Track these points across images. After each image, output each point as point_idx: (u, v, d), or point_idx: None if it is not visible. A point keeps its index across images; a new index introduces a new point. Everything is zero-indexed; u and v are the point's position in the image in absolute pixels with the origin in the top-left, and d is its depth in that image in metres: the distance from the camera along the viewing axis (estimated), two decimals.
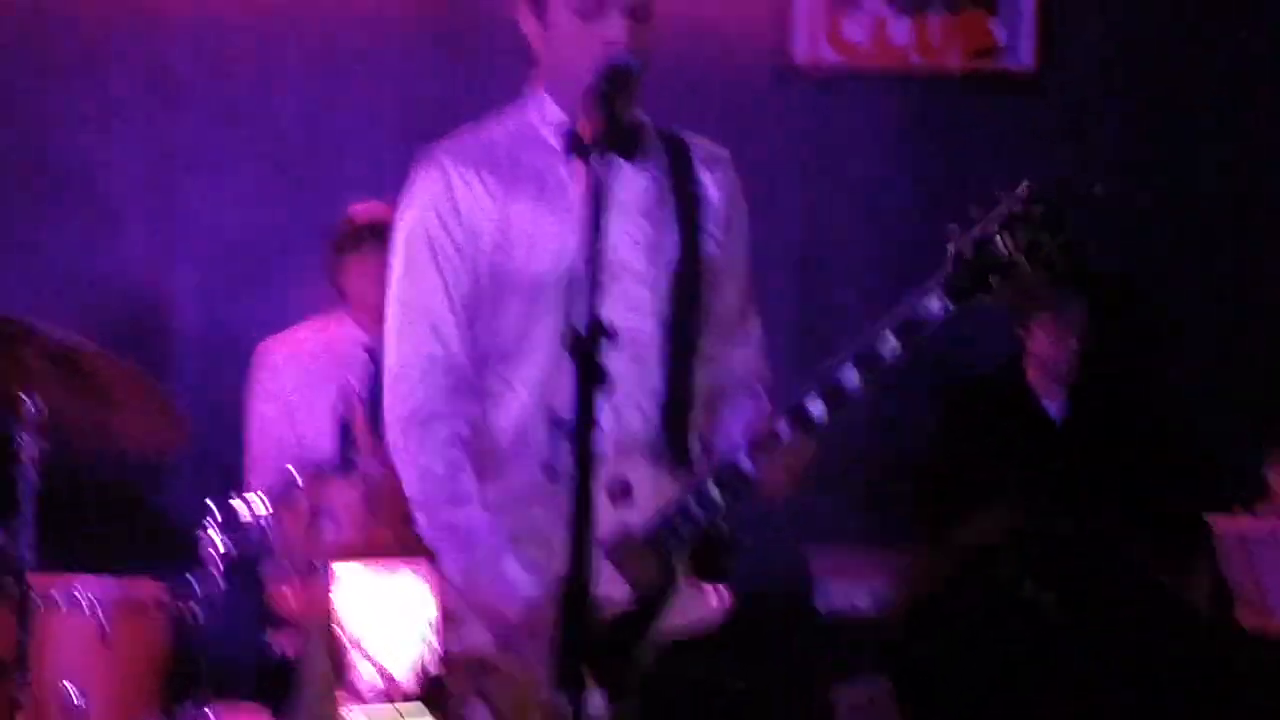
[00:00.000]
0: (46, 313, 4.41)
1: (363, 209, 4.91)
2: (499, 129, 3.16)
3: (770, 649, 3.30)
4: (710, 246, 3.11)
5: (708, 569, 2.96)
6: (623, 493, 2.81)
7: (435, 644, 2.37)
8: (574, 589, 2.59)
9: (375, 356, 4.85)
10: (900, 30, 5.63)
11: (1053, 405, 5.05)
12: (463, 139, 3.18)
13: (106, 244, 5.57)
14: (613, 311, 2.69)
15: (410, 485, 3.08)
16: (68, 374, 4.17)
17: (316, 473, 4.05)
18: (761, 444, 2.88)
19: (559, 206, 3.05)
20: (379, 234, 4.80)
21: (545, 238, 3.02)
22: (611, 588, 2.83)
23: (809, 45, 5.61)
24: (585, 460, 2.67)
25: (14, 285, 5.36)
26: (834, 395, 2.87)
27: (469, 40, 5.57)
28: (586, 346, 2.67)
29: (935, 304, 2.88)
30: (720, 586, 2.96)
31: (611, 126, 2.71)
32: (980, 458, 4.95)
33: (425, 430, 3.02)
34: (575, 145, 2.94)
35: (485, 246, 3.04)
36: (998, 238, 2.88)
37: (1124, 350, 5.23)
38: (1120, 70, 5.65)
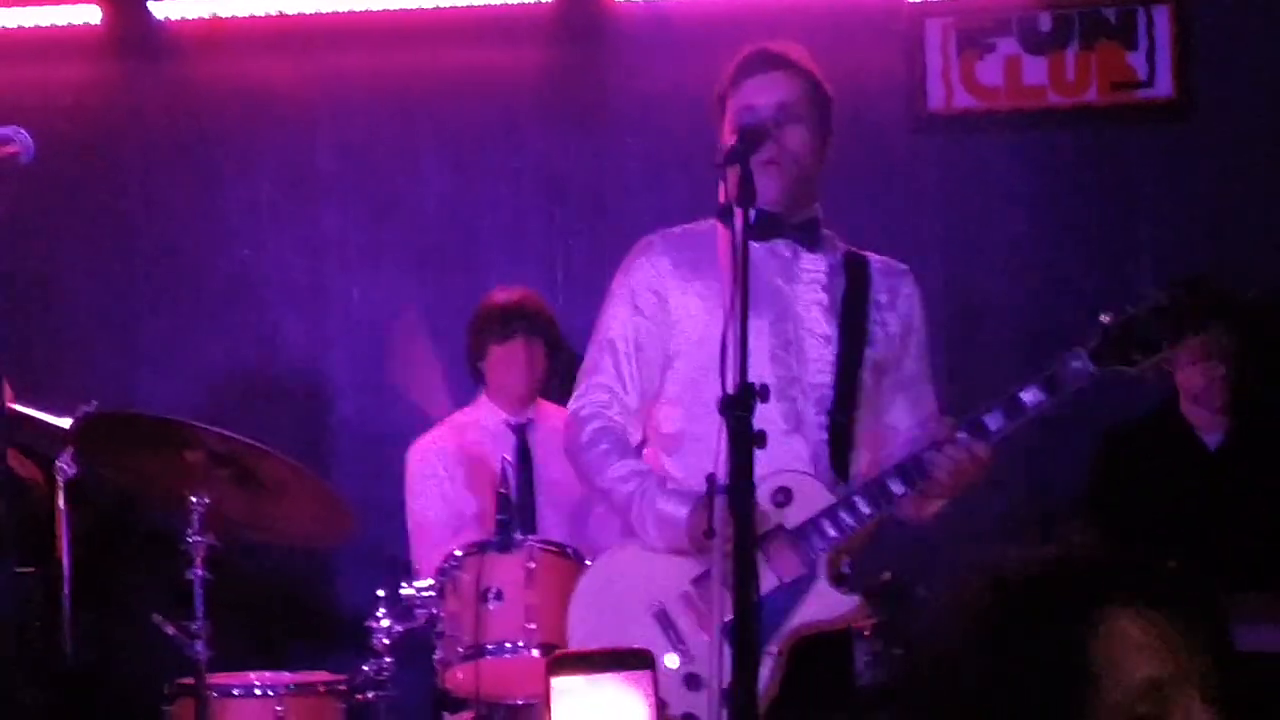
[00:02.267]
0: (209, 413, 4.51)
1: (503, 294, 4.96)
2: (707, 224, 3.65)
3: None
4: (879, 345, 3.62)
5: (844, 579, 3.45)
6: (784, 498, 3.39)
7: None
8: (742, 645, 2.61)
9: (520, 433, 4.93)
10: (1035, 69, 5.58)
11: (1211, 437, 4.93)
12: (676, 228, 3.72)
13: (263, 342, 5.67)
14: (804, 369, 3.48)
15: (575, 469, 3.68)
16: (233, 472, 4.24)
17: (478, 551, 4.07)
18: (909, 471, 3.41)
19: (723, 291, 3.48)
20: (523, 320, 4.87)
21: (712, 318, 3.48)
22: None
23: (943, 91, 5.58)
24: (744, 519, 2.69)
25: (177, 387, 5.48)
26: (979, 433, 3.38)
27: (605, 122, 5.62)
28: (738, 408, 2.69)
29: (1078, 365, 3.38)
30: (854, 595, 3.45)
31: (746, 180, 2.82)
32: (1139, 496, 4.86)
33: (582, 424, 3.61)
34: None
35: (668, 317, 3.59)
36: (1146, 325, 3.36)
37: (1277, 374, 5.10)
38: (1263, 95, 5.54)
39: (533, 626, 3.96)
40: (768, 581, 3.28)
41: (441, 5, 5.63)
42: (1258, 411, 4.93)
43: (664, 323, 3.58)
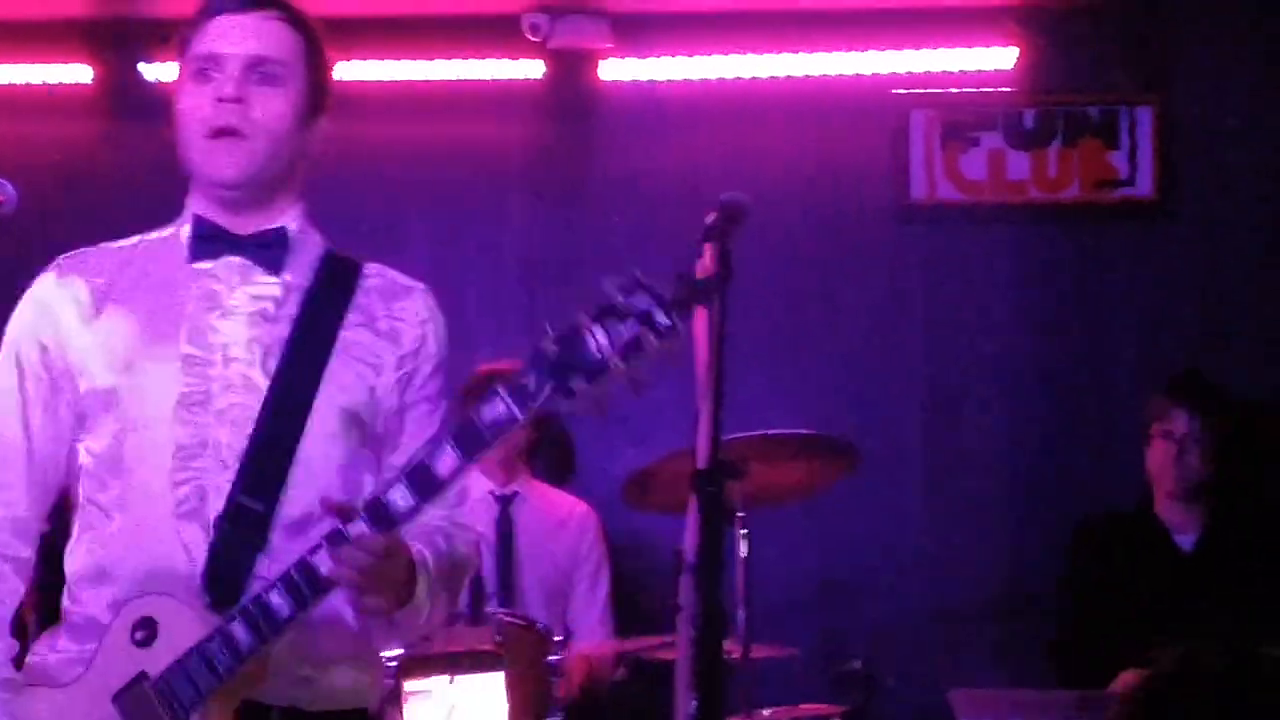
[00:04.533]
0: None
1: (489, 367, 4.98)
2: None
3: None
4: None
5: None
6: (146, 634, 2.42)
7: None
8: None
9: (504, 504, 4.93)
10: (1018, 164, 5.63)
11: (1185, 538, 4.90)
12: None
13: None
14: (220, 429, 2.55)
15: None
16: None
17: (448, 621, 4.04)
18: (296, 581, 2.38)
19: None
20: None
21: None
22: None
23: (927, 182, 5.62)
24: (713, 600, 2.67)
25: None
26: (382, 521, 2.36)
27: (591, 199, 5.65)
28: (710, 484, 2.68)
29: (501, 408, 2.33)
30: None
31: (724, 257, 2.75)
32: (1109, 589, 4.84)
33: None
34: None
35: None
36: (590, 333, 2.30)
37: (1256, 474, 5.10)
38: (1241, 197, 5.59)
39: None
40: None
41: (432, 78, 5.66)
42: (1233, 514, 4.91)
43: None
